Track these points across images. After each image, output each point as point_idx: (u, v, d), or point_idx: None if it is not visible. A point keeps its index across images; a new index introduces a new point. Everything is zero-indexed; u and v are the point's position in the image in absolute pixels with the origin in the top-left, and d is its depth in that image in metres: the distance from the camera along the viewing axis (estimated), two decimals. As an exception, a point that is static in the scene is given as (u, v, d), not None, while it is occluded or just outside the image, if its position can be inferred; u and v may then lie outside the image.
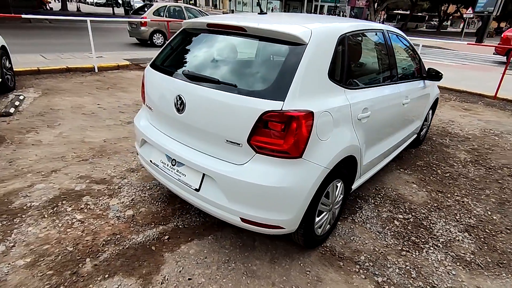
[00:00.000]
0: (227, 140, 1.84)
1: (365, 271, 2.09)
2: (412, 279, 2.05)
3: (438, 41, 10.97)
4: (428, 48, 16.98)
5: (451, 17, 45.75)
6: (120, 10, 32.79)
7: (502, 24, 47.97)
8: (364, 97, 2.24)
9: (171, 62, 2.30)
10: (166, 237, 2.30)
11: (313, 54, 1.83)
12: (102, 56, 8.51)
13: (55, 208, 2.55)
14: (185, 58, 2.25)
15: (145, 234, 2.32)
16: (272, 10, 44.94)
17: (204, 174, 1.96)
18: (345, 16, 40.47)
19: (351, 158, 2.17)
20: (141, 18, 10.94)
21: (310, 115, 1.74)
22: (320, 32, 1.93)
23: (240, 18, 2.24)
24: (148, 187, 2.91)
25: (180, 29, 2.46)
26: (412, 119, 3.39)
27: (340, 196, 2.28)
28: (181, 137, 2.10)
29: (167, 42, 2.48)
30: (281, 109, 1.68)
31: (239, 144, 1.81)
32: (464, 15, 29.02)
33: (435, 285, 2.01)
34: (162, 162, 2.21)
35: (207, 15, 12.04)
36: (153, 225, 2.42)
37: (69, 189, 2.81)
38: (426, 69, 3.44)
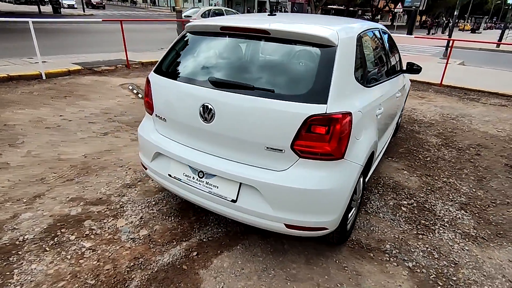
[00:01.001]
0: (267, 147, 1.80)
1: (395, 259, 2.21)
2: (436, 259, 2.22)
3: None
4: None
5: (380, 12, 49.66)
6: (47, 8, 29.66)
7: (423, 17, 53.45)
8: (378, 94, 2.34)
9: (184, 68, 2.16)
10: (194, 253, 2.18)
11: (343, 56, 1.86)
12: (46, 61, 7.64)
13: (55, 238, 2.26)
14: (203, 64, 2.13)
15: (170, 253, 2.17)
16: (214, 5, 44.36)
17: (241, 184, 1.89)
18: (287, 12, 41.52)
19: (371, 153, 2.27)
20: (193, 19, 12.29)
21: (349, 116, 1.78)
22: (344, 33, 1.96)
23: (254, 20, 2.18)
24: (153, 202, 2.71)
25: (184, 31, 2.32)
26: (398, 111, 3.64)
27: (361, 191, 2.38)
28: (208, 148, 2.00)
29: (171, 46, 2.33)
30: (326, 112, 1.69)
31: (282, 150, 1.78)
32: (396, 10, 31.81)
33: (457, 262, 2.21)
34: (185, 175, 2.08)
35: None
36: (175, 243, 2.27)
37: (63, 214, 2.51)
38: (404, 63, 3.71)
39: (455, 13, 12.15)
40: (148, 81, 2.29)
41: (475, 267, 2.17)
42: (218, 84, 1.89)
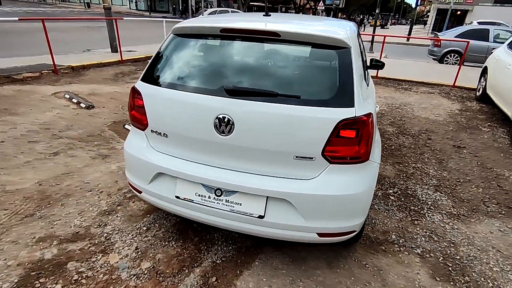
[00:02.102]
0: (296, 156, 1.70)
1: (404, 248, 2.33)
2: (437, 242, 2.40)
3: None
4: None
5: (302, 9, 52.52)
6: None
7: (339, 15, 58.11)
8: (374, 91, 2.41)
9: (185, 76, 1.92)
10: (213, 279, 1.98)
11: (355, 57, 1.85)
12: None
13: (36, 292, 1.83)
14: (207, 71, 1.92)
15: (185, 284, 1.94)
16: (136, 2, 41.62)
17: (268, 198, 1.76)
18: (213, 7, 41.08)
19: None
20: None
21: (372, 116, 1.78)
22: (350, 34, 1.96)
23: (252, 20, 2.05)
24: (145, 228, 2.40)
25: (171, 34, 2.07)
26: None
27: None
28: (226, 163, 1.82)
29: (160, 51, 2.05)
30: (355, 116, 1.66)
31: (312, 158, 1.70)
32: (318, 7, 33.90)
33: (454, 242, 2.42)
34: (198, 195, 1.87)
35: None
36: (187, 271, 2.04)
37: (35, 260, 2.05)
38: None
39: (377, 11, 13.47)
40: (136, 92, 1.98)
41: (469, 243, 2.40)
42: (235, 93, 1.72)
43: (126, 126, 4.24)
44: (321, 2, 28.00)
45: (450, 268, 2.15)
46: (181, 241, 2.29)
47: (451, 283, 2.04)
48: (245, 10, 39.19)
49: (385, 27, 39.70)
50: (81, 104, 5.06)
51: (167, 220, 2.50)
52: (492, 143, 4.42)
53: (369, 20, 38.69)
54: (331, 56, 1.81)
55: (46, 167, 3.17)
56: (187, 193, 1.89)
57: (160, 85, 1.91)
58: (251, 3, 50.92)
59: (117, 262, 2.08)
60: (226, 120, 1.71)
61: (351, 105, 1.68)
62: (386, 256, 2.24)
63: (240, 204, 1.80)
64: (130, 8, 43.23)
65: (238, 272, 2.05)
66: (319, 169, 1.73)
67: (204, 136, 1.79)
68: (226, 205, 1.82)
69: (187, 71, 1.96)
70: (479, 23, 18.50)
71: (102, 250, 2.17)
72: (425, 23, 38.69)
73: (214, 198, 1.84)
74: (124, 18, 10.17)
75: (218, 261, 2.13)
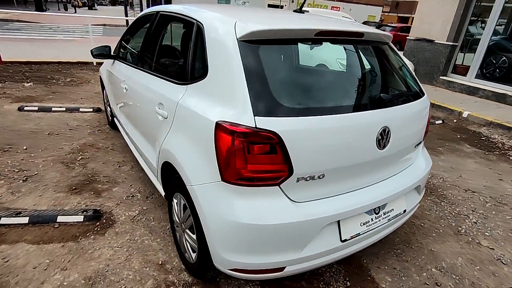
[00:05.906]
0: (416, 145, 1.90)
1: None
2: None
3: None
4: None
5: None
6: None
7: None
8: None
9: (313, 94, 1.49)
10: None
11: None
12: None
13: None
14: (333, 81, 1.59)
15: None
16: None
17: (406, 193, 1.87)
18: None
19: None
20: None
21: None
22: None
23: (318, 20, 1.81)
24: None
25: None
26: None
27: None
28: (375, 177, 1.72)
29: (248, 69, 1.38)
30: (429, 101, 2.05)
31: (420, 143, 1.97)
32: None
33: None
34: (364, 225, 1.65)
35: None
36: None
37: None
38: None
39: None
40: (259, 136, 1.29)
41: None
42: (388, 101, 1.60)
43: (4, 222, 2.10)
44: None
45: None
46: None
47: (432, 195, 3.02)
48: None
49: (93, 8, 36.80)
50: None
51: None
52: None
53: (76, 1, 34.28)
54: (390, 53, 2.02)
55: None
56: (353, 230, 1.61)
57: (299, 115, 1.37)
58: None
59: None
60: (386, 131, 1.59)
61: (424, 93, 2.05)
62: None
63: (393, 210, 1.80)
64: None
65: (369, 278, 2.02)
66: (418, 150, 2.03)
67: (366, 157, 1.57)
68: (385, 217, 1.75)
69: (310, 87, 1.51)
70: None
71: None
72: (130, 4, 38.61)
73: (375, 217, 1.71)
74: None
75: (348, 284, 1.96)
